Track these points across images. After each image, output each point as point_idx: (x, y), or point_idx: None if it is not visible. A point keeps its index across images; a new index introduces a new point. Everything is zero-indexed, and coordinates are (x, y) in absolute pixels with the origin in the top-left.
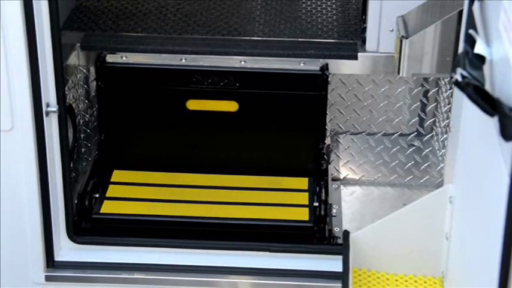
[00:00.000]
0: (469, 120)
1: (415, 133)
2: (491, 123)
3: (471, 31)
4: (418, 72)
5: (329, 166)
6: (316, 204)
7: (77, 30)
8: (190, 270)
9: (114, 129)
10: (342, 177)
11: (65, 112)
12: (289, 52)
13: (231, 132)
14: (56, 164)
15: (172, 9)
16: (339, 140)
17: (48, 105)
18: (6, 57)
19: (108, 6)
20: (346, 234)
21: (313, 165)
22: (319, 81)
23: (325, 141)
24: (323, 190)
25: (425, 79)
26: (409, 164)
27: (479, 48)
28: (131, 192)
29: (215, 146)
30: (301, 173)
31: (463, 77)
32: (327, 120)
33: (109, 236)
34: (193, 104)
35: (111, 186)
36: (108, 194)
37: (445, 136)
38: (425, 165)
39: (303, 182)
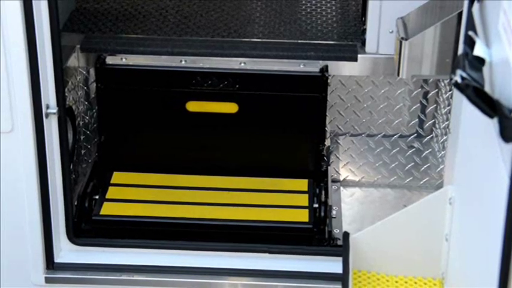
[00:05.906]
0: (468, 122)
1: (415, 134)
2: (491, 125)
3: (471, 32)
4: (418, 73)
5: (329, 167)
6: (316, 205)
7: (76, 32)
8: (190, 271)
9: (114, 131)
10: (341, 178)
11: (65, 114)
12: (288, 54)
13: (230, 133)
14: (56, 166)
15: (172, 11)
16: (339, 141)
17: (48, 107)
18: (6, 59)
19: (108, 8)
20: (346, 235)
21: (313, 167)
22: (319, 82)
23: (325, 143)
24: (323, 191)
25: (425, 81)
26: (409, 166)
27: (479, 50)
28: (131, 194)
29: (215, 148)
30: (301, 175)
31: (462, 78)
32: (327, 122)
33: (109, 238)
34: (193, 106)
35: (111, 188)
36: (108, 196)
37: (444, 137)
38: (425, 166)
39: (302, 184)
